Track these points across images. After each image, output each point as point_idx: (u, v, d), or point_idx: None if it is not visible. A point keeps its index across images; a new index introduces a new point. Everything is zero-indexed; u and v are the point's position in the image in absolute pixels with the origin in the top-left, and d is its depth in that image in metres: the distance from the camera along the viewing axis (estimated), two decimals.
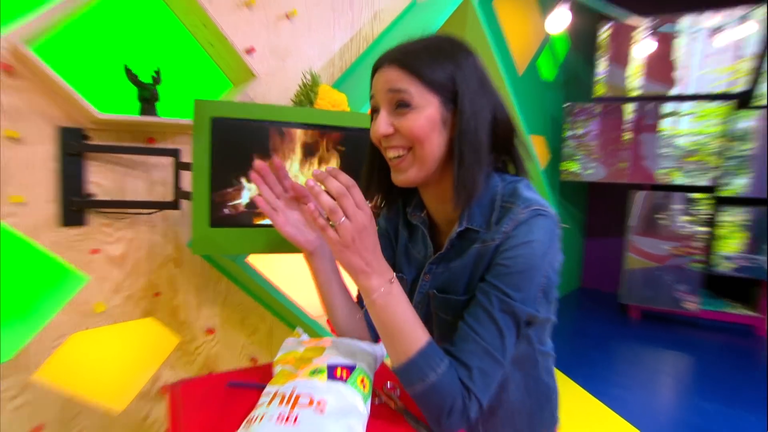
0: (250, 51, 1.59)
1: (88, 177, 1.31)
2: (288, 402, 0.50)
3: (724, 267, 3.29)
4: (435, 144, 0.61)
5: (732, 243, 3.26)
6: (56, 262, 1.29)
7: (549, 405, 0.75)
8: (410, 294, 0.72)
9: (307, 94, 1.50)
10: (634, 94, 3.44)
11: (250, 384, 0.66)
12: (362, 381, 0.57)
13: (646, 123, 3.37)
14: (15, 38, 1.10)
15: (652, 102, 3.36)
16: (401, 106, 0.60)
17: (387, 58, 0.62)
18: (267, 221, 1.04)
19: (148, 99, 1.30)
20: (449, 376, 0.57)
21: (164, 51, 1.49)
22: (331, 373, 0.55)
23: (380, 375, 0.73)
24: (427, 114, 0.59)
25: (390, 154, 0.64)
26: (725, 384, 2.61)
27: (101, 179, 1.33)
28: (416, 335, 0.58)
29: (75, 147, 1.26)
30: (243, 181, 1.00)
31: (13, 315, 1.28)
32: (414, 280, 0.73)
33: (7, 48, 1.15)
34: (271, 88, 1.67)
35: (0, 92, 1.17)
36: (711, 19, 3.08)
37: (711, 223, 3.31)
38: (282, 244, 1.09)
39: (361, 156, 0.98)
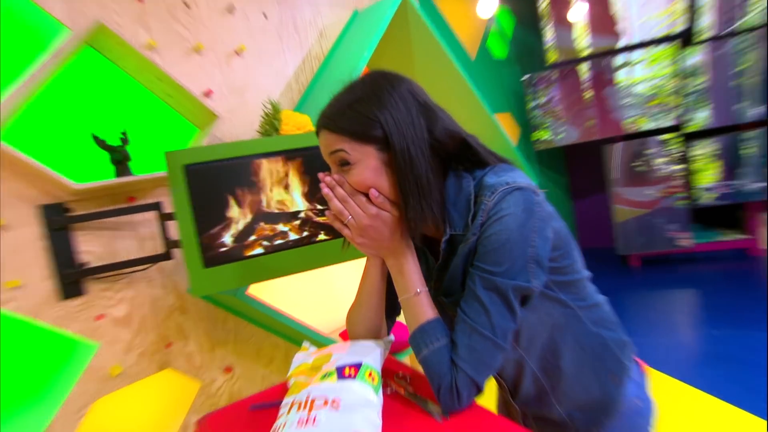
0: (208, 93, 1.63)
1: (77, 247, 1.34)
2: (305, 407, 0.54)
3: (707, 198, 3.38)
4: (386, 187, 0.65)
5: (708, 174, 3.35)
6: (64, 336, 1.32)
7: (608, 353, 0.75)
8: None
9: (271, 122, 1.55)
10: (585, 53, 3.53)
11: (270, 403, 0.70)
12: (370, 374, 0.61)
13: (603, 78, 3.46)
14: None
15: (603, 57, 3.45)
16: (343, 164, 0.65)
17: (320, 125, 0.67)
18: (257, 251, 1.08)
19: (120, 161, 1.34)
20: (440, 353, 0.61)
21: (127, 111, 1.52)
22: (340, 373, 0.60)
23: (391, 366, 0.77)
24: (366, 165, 0.64)
25: (344, 217, 0.68)
26: (731, 308, 2.69)
27: (91, 247, 1.36)
28: (421, 311, 0.66)
29: (58, 221, 1.29)
30: (225, 219, 1.04)
31: (32, 396, 1.30)
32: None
33: None
34: (236, 124, 1.72)
35: None
36: None
37: (685, 159, 3.40)
38: (275, 269, 1.13)
39: (328, 170, 1.02)
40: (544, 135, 3.72)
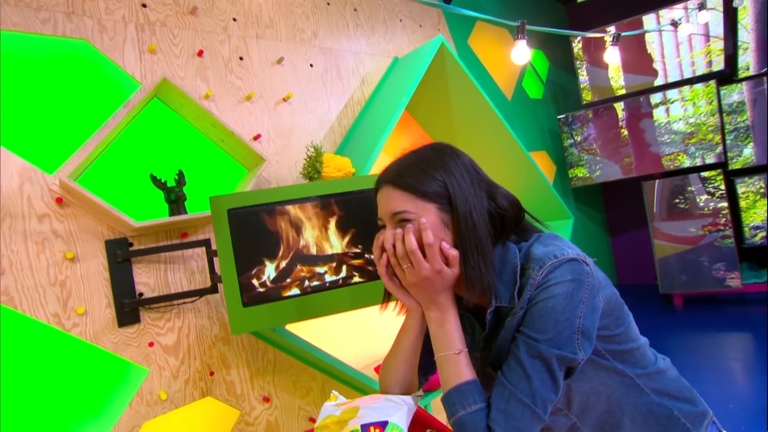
0: (256, 137, 1.69)
1: (136, 279, 1.39)
2: None
3: (757, 238, 3.10)
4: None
5: (757, 212, 3.09)
6: (120, 360, 1.36)
7: (676, 425, 0.69)
8: None
9: (313, 164, 1.57)
10: (621, 92, 3.42)
11: None
12: None
13: (640, 116, 3.32)
14: (62, 175, 1.22)
15: (640, 95, 3.33)
16: (403, 221, 0.64)
17: (384, 179, 0.67)
18: (294, 292, 1.08)
19: (174, 200, 1.39)
20: (476, 417, 0.58)
21: (185, 155, 1.60)
22: None
23: (422, 420, 0.72)
24: (426, 220, 0.63)
25: (404, 263, 0.65)
26: None
27: (147, 278, 1.41)
28: (459, 371, 0.62)
29: (121, 255, 1.35)
30: (265, 260, 1.04)
31: (90, 415, 1.33)
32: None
33: (57, 184, 1.27)
34: (281, 166, 1.76)
35: (56, 221, 1.28)
36: (670, 12, 3.10)
37: (730, 196, 3.16)
38: (311, 310, 1.11)
39: (365, 213, 1.01)
40: (580, 172, 3.58)
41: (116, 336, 1.35)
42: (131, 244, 1.39)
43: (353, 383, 1.66)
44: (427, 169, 0.64)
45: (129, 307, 1.35)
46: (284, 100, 1.81)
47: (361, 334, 1.92)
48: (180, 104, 1.49)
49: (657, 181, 3.33)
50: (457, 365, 0.62)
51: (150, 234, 1.43)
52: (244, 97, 1.69)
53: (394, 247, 0.64)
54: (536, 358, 0.57)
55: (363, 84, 2.13)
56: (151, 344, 1.40)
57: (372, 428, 0.57)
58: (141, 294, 1.40)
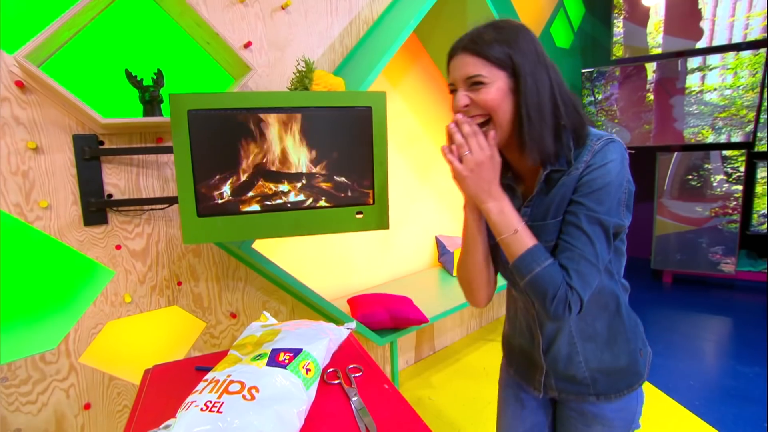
0: (247, 45, 1.54)
1: (105, 179, 1.33)
2: (218, 389, 0.46)
3: (764, 226, 2.97)
4: (507, 110, 0.69)
5: None
6: (85, 259, 1.33)
7: (639, 334, 0.83)
8: None
9: (302, 80, 1.44)
10: (656, 52, 3.13)
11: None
12: (306, 365, 0.52)
13: (672, 82, 3.06)
14: (20, 55, 1.11)
15: (676, 58, 3.04)
16: (475, 84, 0.70)
17: (460, 46, 0.72)
18: (254, 208, 1.01)
19: (149, 101, 1.29)
20: (552, 269, 0.67)
21: (167, 53, 1.47)
22: (273, 358, 0.51)
23: (347, 356, 0.68)
24: (497, 86, 0.68)
25: (464, 150, 0.72)
26: (764, 346, 2.37)
27: (117, 180, 1.35)
28: (525, 240, 0.70)
29: (89, 152, 1.27)
30: (225, 170, 0.96)
31: (53, 308, 1.33)
32: None
33: (18, 66, 1.17)
34: (272, 79, 1.63)
35: (17, 107, 1.19)
36: None
37: (747, 180, 2.98)
38: (270, 229, 1.05)
39: (345, 134, 0.91)
40: None
41: (82, 234, 1.31)
42: (102, 143, 1.31)
43: (323, 311, 1.66)
44: (499, 39, 0.68)
45: (96, 206, 1.30)
46: (282, 8, 1.63)
47: (338, 264, 1.89)
48: None
49: (673, 154, 3.14)
50: (522, 239, 0.69)
51: (123, 134, 1.35)
52: None
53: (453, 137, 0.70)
54: (597, 225, 0.67)
55: (373, 2, 1.93)
56: (118, 247, 1.37)
57: (282, 353, 0.51)
58: (110, 195, 1.34)
